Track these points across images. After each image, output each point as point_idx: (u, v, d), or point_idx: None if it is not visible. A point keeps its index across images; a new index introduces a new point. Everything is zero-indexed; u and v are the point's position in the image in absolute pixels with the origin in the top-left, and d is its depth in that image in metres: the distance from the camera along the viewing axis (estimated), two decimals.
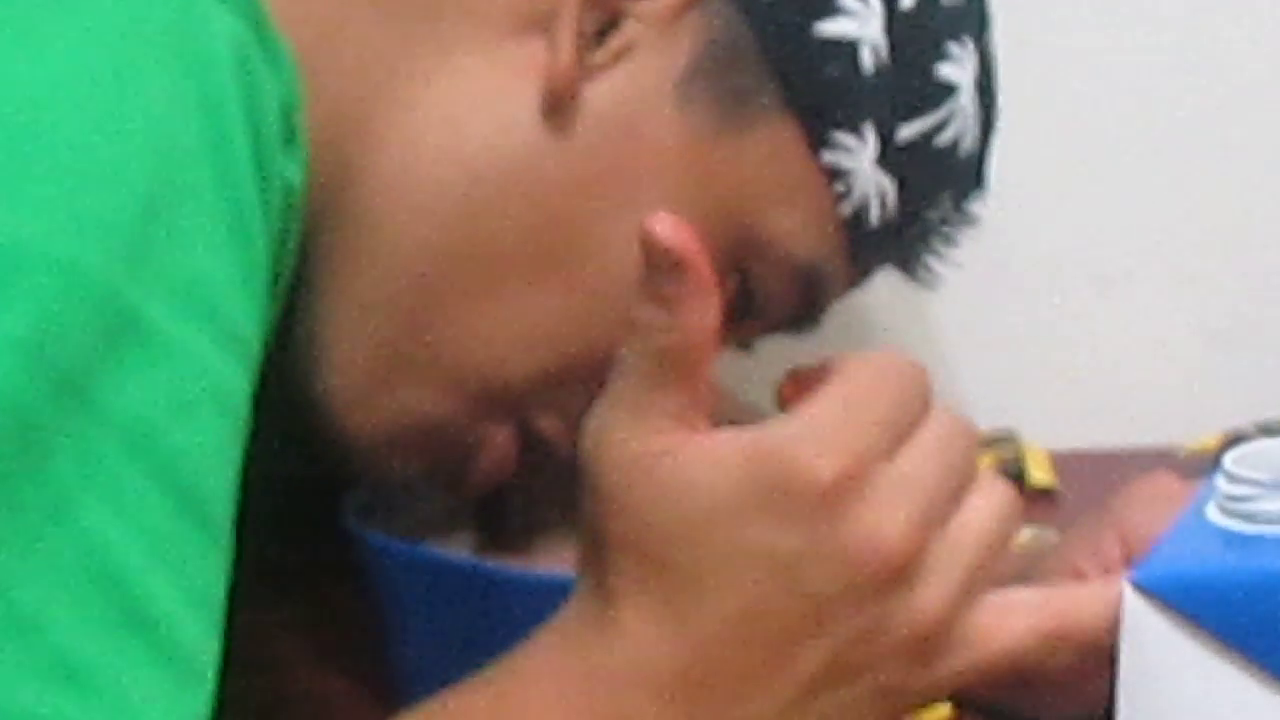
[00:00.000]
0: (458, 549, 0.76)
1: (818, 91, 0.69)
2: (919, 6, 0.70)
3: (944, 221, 0.75)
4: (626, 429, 0.55)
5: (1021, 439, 1.03)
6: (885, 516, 0.54)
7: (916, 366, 0.57)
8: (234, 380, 0.52)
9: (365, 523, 0.73)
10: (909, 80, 0.70)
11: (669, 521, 0.54)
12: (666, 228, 0.54)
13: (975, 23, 0.74)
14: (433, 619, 0.70)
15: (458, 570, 0.70)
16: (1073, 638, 0.57)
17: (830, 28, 0.69)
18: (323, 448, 0.69)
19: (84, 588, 0.47)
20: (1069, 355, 1.10)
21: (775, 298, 0.71)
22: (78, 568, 0.47)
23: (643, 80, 0.67)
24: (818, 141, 0.69)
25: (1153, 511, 0.66)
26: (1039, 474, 1.01)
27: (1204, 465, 0.63)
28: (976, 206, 0.76)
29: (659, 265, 0.54)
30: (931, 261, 0.77)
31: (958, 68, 0.72)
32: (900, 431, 0.55)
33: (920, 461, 0.55)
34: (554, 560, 0.73)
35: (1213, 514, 0.58)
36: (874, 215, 0.71)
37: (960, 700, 0.69)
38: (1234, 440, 0.91)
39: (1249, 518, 0.57)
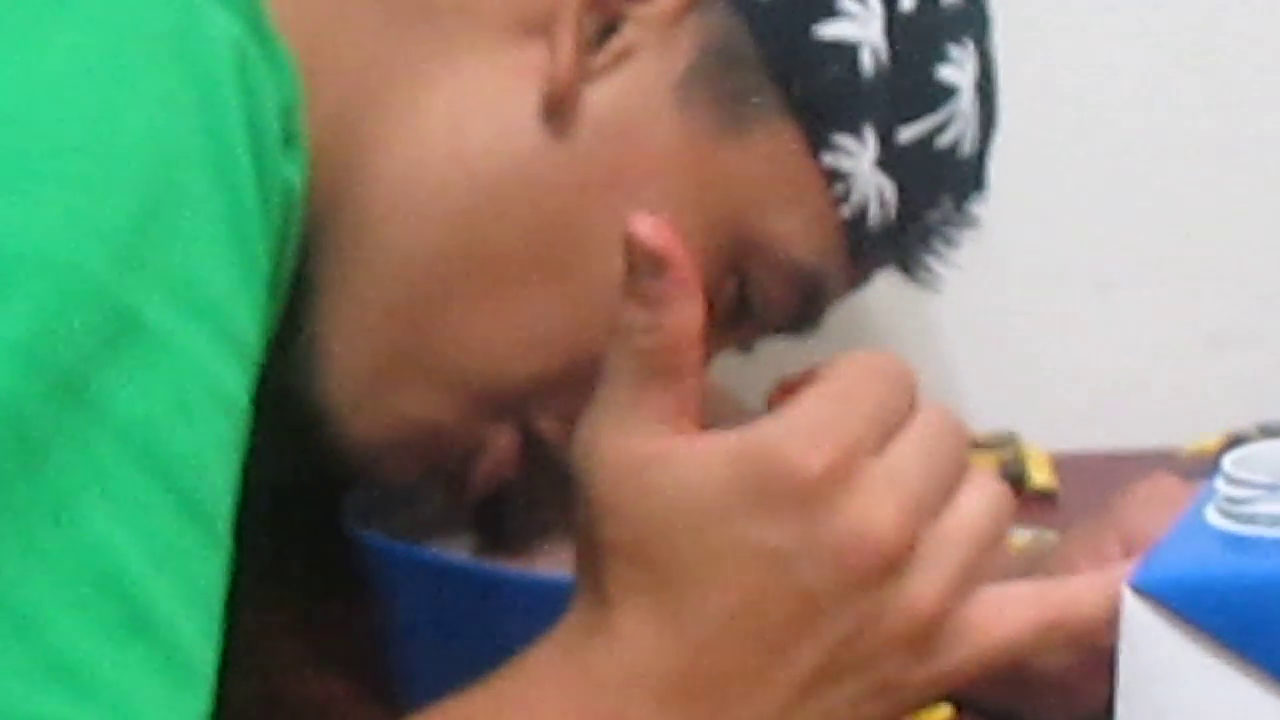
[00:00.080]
0: (457, 551, 0.76)
1: (817, 94, 0.69)
2: (919, 8, 0.70)
3: (944, 223, 0.75)
4: (615, 433, 0.55)
5: (1022, 441, 1.04)
6: (874, 508, 0.54)
7: (902, 364, 0.57)
8: (233, 381, 0.52)
9: (365, 524, 0.73)
10: (909, 82, 0.70)
11: (660, 523, 0.55)
12: (648, 227, 0.54)
13: (975, 24, 0.74)
14: (432, 620, 0.70)
15: (457, 572, 0.70)
16: (1070, 629, 0.57)
17: (830, 30, 0.69)
18: (323, 450, 0.69)
19: (83, 589, 0.47)
20: (1070, 357, 1.10)
21: (775, 300, 0.71)
22: (77, 569, 0.47)
23: (642, 83, 0.67)
24: (817, 144, 0.69)
25: (1154, 513, 0.66)
26: (1040, 476, 1.01)
27: (1205, 467, 0.63)
28: (977, 208, 0.76)
29: (641, 265, 0.54)
30: (932, 263, 0.77)
31: (958, 70, 0.72)
32: (888, 426, 0.55)
33: (909, 454, 0.55)
34: (553, 562, 0.73)
35: (1212, 516, 0.58)
36: (874, 217, 0.71)
37: (960, 702, 0.69)
38: (1235, 441, 0.91)
39: (1248, 520, 0.57)
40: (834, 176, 0.70)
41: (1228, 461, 0.58)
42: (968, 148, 0.73)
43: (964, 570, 0.55)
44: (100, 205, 0.49)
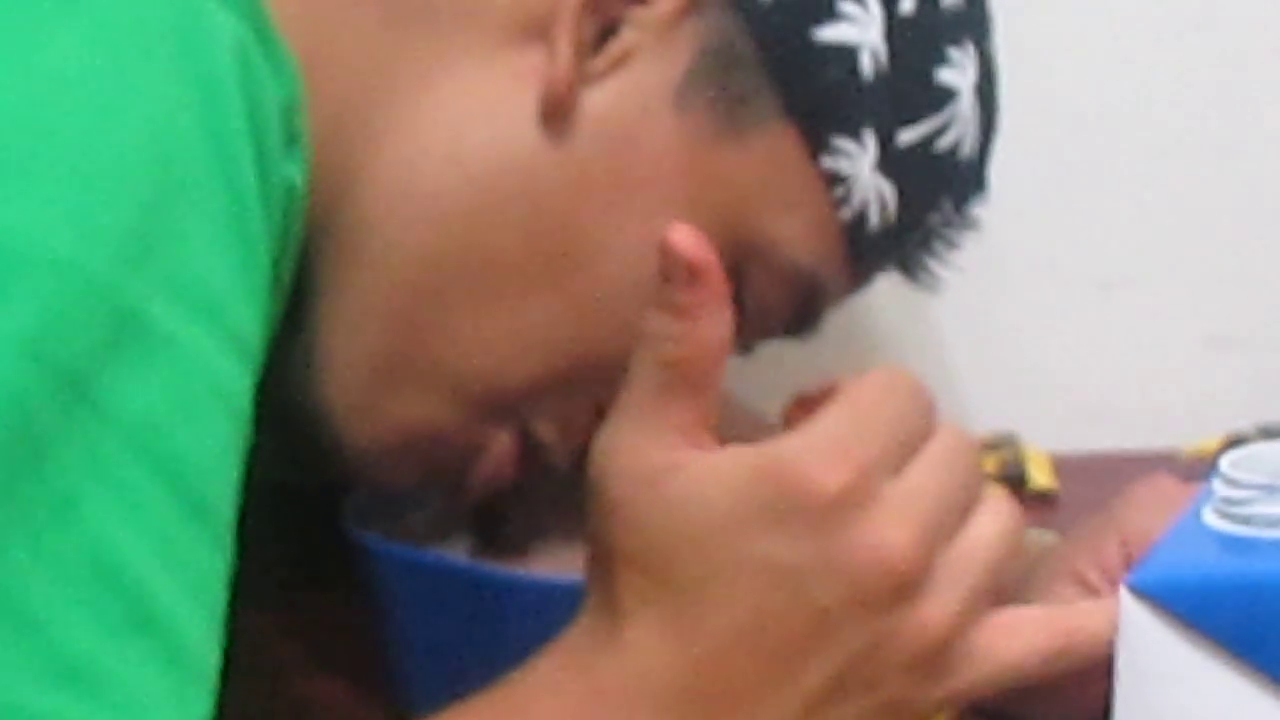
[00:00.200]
0: (456, 553, 0.76)
1: (817, 97, 0.69)
2: (919, 11, 0.70)
3: (945, 225, 0.75)
4: (633, 442, 0.55)
5: (1022, 442, 1.04)
6: (891, 528, 0.54)
7: (920, 383, 0.57)
8: (236, 380, 0.52)
9: (364, 526, 0.73)
10: (909, 85, 0.70)
11: (674, 536, 0.54)
12: (686, 237, 0.54)
13: (976, 27, 0.74)
14: (431, 622, 0.70)
15: (456, 574, 0.70)
16: (1079, 654, 0.57)
17: (829, 33, 0.68)
18: (322, 452, 0.69)
19: (88, 587, 0.47)
20: (1070, 358, 1.10)
21: (775, 303, 0.71)
22: (81, 567, 0.47)
23: (641, 86, 0.67)
24: (817, 147, 0.69)
25: (1154, 514, 0.66)
26: (1040, 477, 1.01)
27: (1205, 468, 0.63)
28: (977, 210, 0.76)
29: (675, 275, 0.54)
30: (933, 265, 0.77)
31: (958, 72, 0.72)
32: (905, 446, 0.55)
33: (926, 476, 0.55)
34: (551, 564, 0.74)
35: (1209, 517, 0.58)
36: (874, 220, 0.71)
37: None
38: (1235, 443, 0.91)
39: (1246, 521, 0.57)
40: (834, 179, 0.70)
41: (1225, 463, 0.58)
42: (968, 150, 0.73)
43: (975, 593, 0.55)
44: (103, 204, 0.49)
